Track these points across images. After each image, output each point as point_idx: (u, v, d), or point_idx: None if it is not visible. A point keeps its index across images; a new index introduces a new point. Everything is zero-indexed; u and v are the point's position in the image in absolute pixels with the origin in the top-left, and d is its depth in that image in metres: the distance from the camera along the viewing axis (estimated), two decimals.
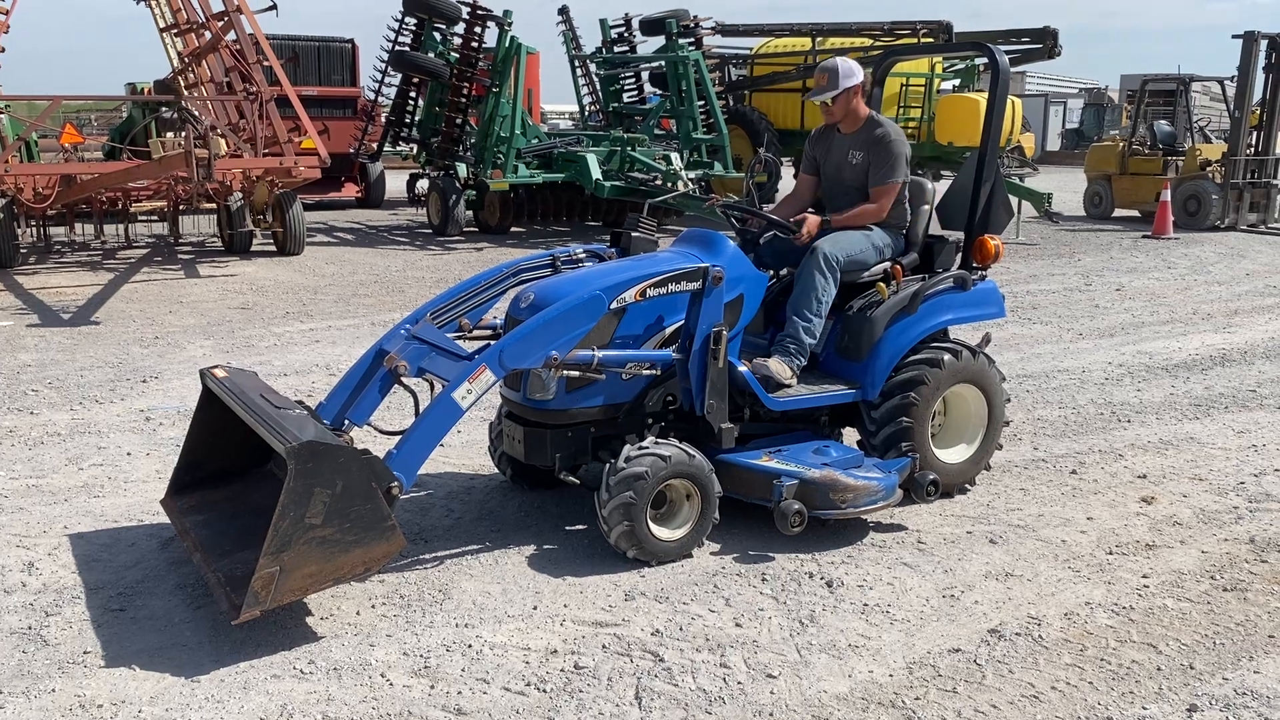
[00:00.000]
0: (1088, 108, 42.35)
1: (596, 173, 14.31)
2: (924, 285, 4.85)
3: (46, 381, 6.97)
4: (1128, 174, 18.42)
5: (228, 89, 13.30)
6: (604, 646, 3.53)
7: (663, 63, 16.83)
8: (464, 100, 15.66)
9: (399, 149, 17.98)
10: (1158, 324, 9.39)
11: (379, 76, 16.97)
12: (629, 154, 14.91)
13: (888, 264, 4.95)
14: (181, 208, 13.28)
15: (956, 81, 18.57)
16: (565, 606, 3.81)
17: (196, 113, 12.99)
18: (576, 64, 19.12)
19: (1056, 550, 4.38)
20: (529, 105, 17.44)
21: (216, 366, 4.32)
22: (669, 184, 14.12)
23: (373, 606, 3.79)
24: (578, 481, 4.44)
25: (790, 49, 19.33)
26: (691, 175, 14.81)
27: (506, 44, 14.93)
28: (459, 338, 4.49)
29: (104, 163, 13.71)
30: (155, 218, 14.00)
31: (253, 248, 13.39)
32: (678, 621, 3.70)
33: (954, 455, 4.99)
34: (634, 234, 4.85)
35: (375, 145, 18.05)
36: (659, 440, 4.20)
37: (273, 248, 13.43)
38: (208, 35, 13.54)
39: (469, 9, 15.45)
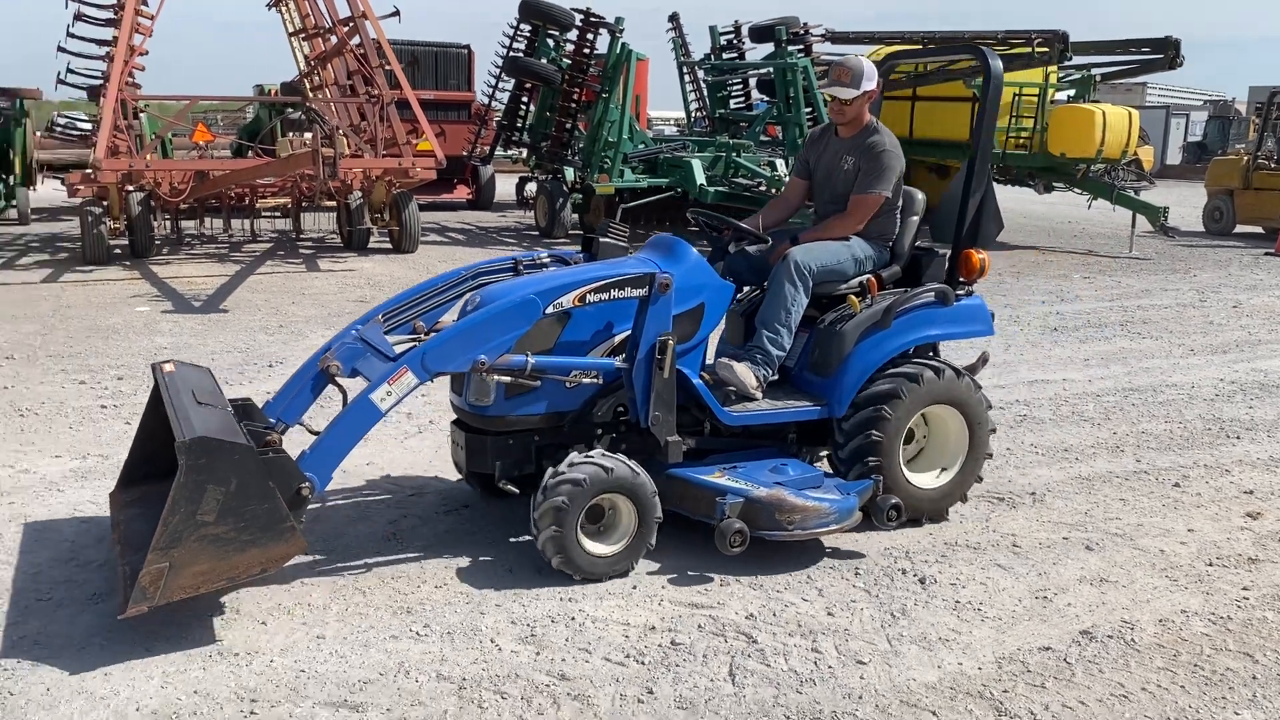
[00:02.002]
0: (1212, 120, 40.89)
1: (701, 178, 14.47)
2: (898, 299, 4.58)
3: None
4: (1252, 189, 17.79)
5: (351, 91, 13.88)
6: (699, 626, 3.68)
7: (771, 69, 16.92)
8: (574, 105, 15.98)
9: (509, 153, 18.41)
10: (1275, 342, 9.12)
11: (493, 81, 17.43)
12: (734, 160, 15.04)
13: (868, 276, 4.75)
14: (304, 205, 13.89)
15: (1071, 92, 18.20)
16: (663, 588, 3.98)
17: (321, 114, 13.59)
18: (685, 70, 19.32)
19: (1154, 559, 4.38)
20: (637, 111, 17.67)
21: (166, 361, 4.23)
22: (773, 190, 14.20)
23: (484, 577, 4.02)
24: (516, 491, 4.31)
25: None
26: None
27: (618, 50, 15.22)
28: (413, 339, 4.37)
29: (235, 159, 14.42)
30: (279, 214, 14.69)
31: (370, 245, 13.92)
32: (771, 608, 3.84)
33: (927, 480, 4.71)
34: (603, 240, 4.63)
35: (487, 149, 18.51)
36: (574, 462, 3.97)
37: (389, 245, 13.94)
38: (334, 40, 14.16)
39: (582, 16, 15.78)
